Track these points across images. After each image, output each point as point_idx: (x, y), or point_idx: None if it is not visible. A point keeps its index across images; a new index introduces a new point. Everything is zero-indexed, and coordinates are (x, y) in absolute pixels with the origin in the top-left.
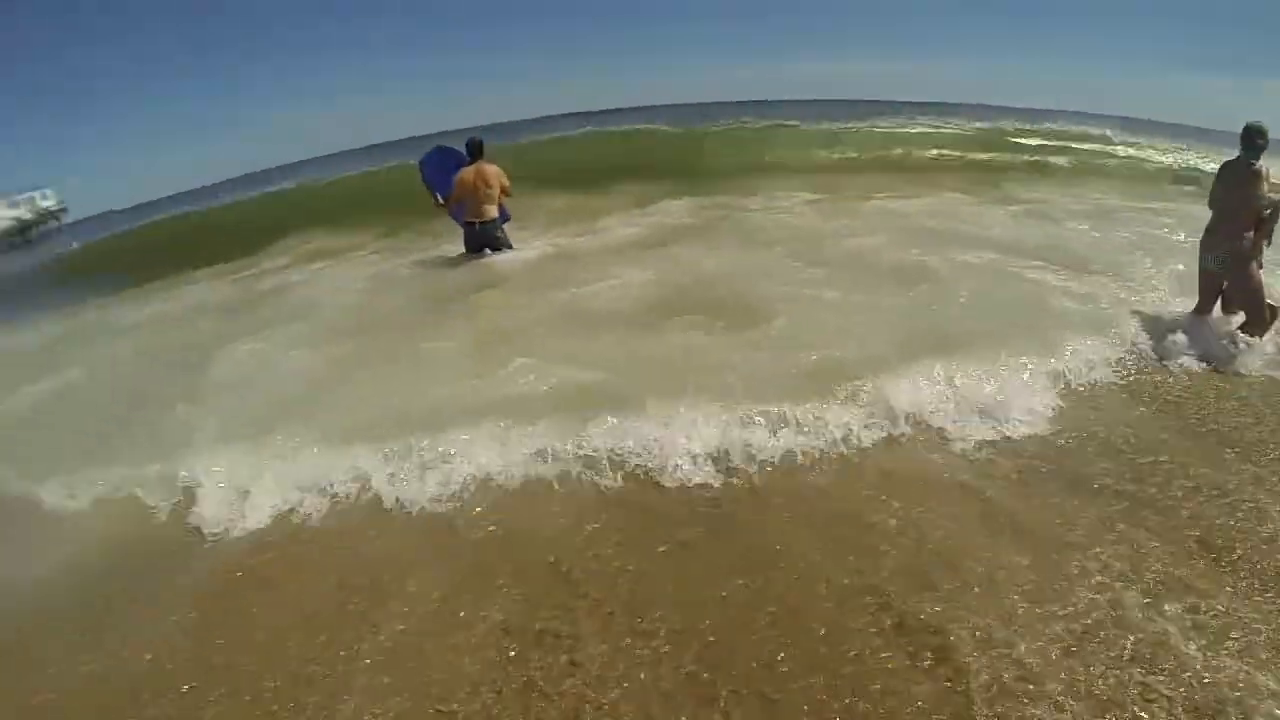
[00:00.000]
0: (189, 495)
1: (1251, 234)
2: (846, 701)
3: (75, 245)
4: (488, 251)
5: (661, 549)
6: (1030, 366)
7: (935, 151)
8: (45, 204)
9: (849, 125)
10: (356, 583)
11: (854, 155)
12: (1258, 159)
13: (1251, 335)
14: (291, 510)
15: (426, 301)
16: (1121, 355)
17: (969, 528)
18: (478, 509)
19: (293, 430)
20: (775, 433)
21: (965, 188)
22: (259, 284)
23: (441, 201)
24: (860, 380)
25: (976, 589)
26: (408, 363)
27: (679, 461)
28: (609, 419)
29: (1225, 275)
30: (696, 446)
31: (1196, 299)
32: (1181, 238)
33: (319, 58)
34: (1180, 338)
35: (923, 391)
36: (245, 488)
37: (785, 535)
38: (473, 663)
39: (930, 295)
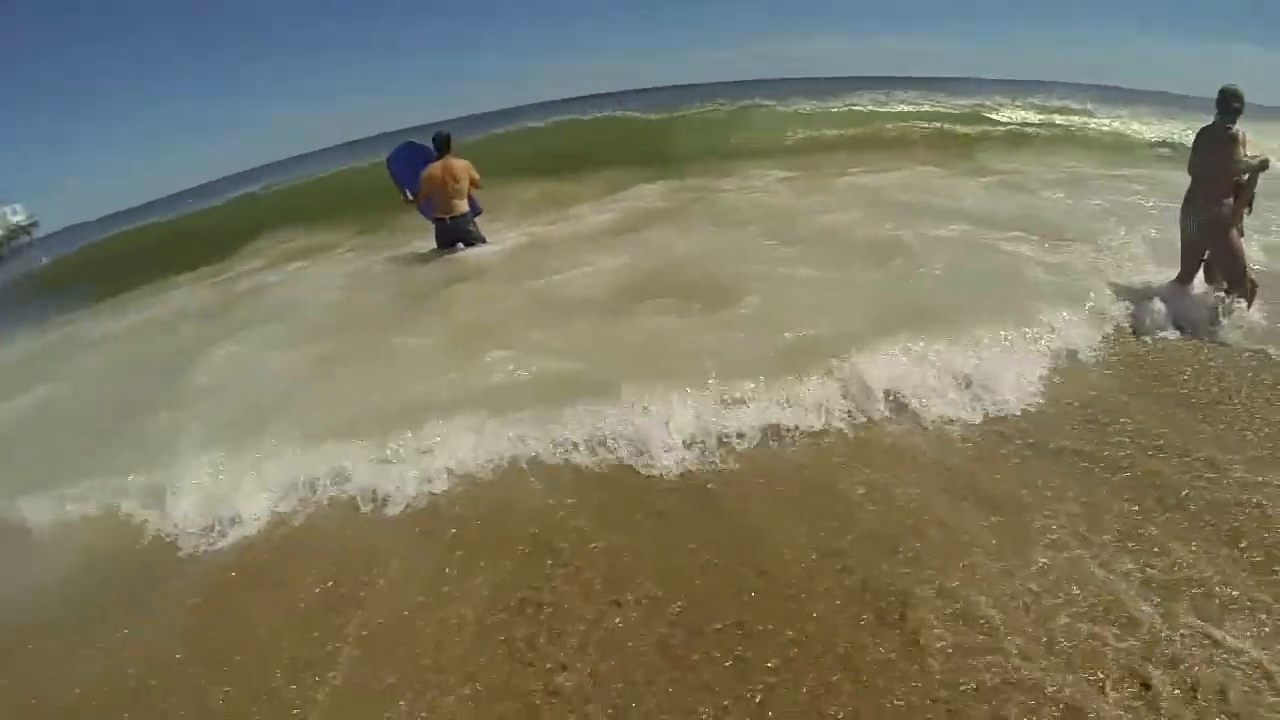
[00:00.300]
0: (175, 502)
1: (1231, 200)
2: (814, 658)
3: (45, 260)
4: (460, 246)
5: (639, 519)
6: (1005, 339)
7: (911, 125)
8: (15, 219)
9: (825, 104)
10: (345, 574)
11: (829, 133)
12: (1234, 123)
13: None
14: (278, 509)
15: (403, 298)
16: (1098, 326)
17: (935, 495)
18: (459, 496)
19: (274, 431)
20: (749, 411)
21: (939, 160)
22: (236, 286)
23: (410, 198)
24: (833, 357)
25: (939, 551)
26: (385, 359)
27: (655, 442)
28: (585, 405)
29: (1206, 243)
30: (672, 427)
31: (1177, 267)
32: (1150, 204)
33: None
34: (1160, 307)
35: (896, 366)
36: (230, 491)
37: (759, 507)
38: (460, 636)
39: (903, 269)
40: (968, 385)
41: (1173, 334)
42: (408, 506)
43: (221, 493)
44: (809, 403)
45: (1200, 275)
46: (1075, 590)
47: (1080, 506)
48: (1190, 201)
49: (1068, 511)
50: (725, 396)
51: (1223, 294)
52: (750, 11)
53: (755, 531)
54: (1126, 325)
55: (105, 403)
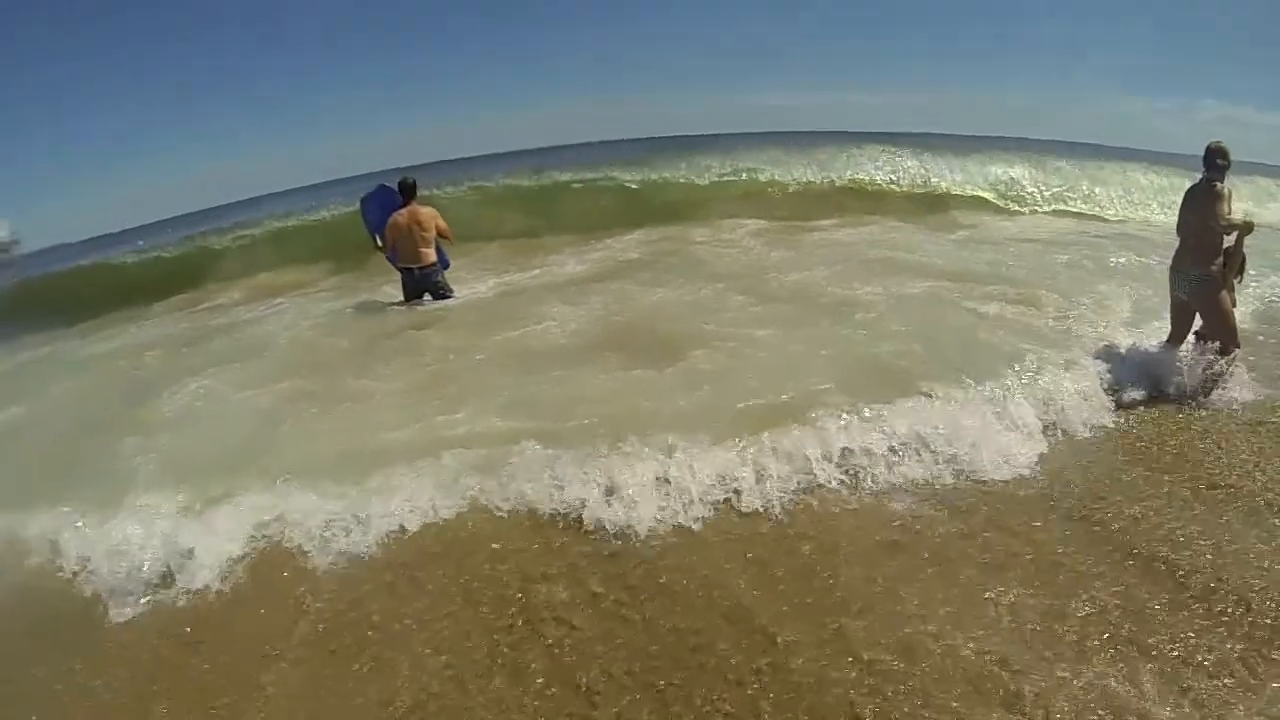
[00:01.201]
0: (110, 543)
1: (1220, 261)
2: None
3: (15, 280)
4: (426, 298)
5: (592, 587)
6: (971, 401)
7: (883, 179)
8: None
9: (793, 157)
10: (275, 624)
11: (804, 185)
12: (1220, 179)
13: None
14: (226, 554)
15: (371, 342)
16: (1075, 388)
17: (886, 560)
18: (417, 546)
19: (232, 472)
20: (702, 473)
21: (909, 215)
22: (210, 320)
23: (380, 244)
24: (795, 417)
25: (877, 618)
26: (348, 403)
27: (594, 501)
28: (539, 460)
29: (1195, 304)
30: (624, 484)
31: (1163, 328)
32: (1124, 260)
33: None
34: (1146, 369)
35: (857, 429)
36: (186, 534)
37: (704, 568)
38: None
39: (871, 328)
40: (934, 452)
41: (1161, 398)
42: (365, 553)
43: (175, 537)
44: (766, 464)
45: (1191, 336)
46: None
47: (1050, 598)
48: (1179, 260)
49: (1040, 606)
50: (679, 455)
51: (1213, 357)
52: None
53: (698, 593)
54: (1109, 389)
55: (65, 432)
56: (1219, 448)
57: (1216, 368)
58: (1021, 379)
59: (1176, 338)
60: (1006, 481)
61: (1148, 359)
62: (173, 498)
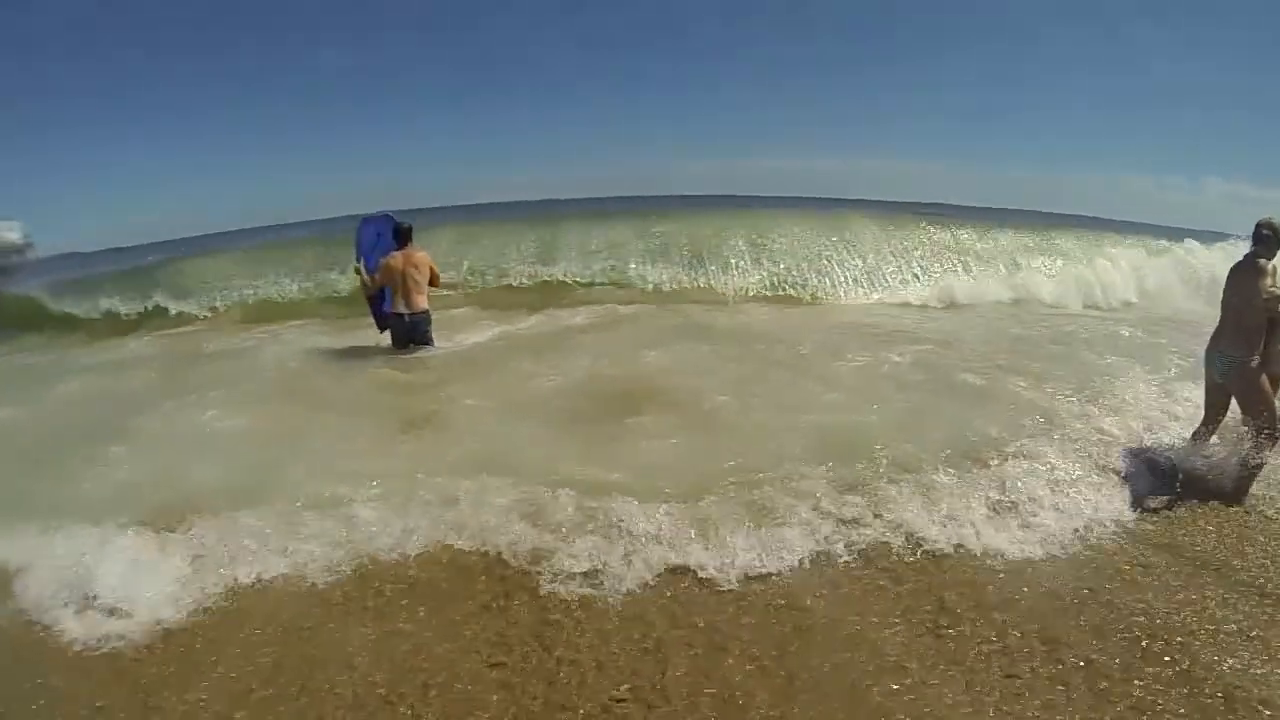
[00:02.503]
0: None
1: (1261, 341)
2: None
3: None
4: (411, 346)
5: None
6: (978, 490)
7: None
8: (11, 236)
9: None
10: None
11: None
12: (1269, 255)
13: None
14: (180, 586)
15: (357, 378)
16: (1089, 478)
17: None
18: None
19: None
20: (662, 541)
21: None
22: (198, 343)
23: (368, 277)
24: (778, 491)
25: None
26: (322, 439)
27: (561, 554)
28: (503, 513)
29: (1231, 387)
30: (579, 545)
31: (1195, 413)
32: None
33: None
34: (1176, 458)
35: (841, 508)
36: (142, 564)
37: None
38: None
39: (862, 401)
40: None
41: (1199, 493)
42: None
43: (128, 569)
44: (743, 544)
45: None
46: None
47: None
48: (1216, 339)
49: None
50: (647, 515)
51: (1251, 447)
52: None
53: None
54: (1132, 478)
55: (30, 449)
56: (1265, 553)
57: (1255, 459)
58: (1029, 468)
59: (1209, 425)
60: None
61: (1176, 450)
62: (130, 527)
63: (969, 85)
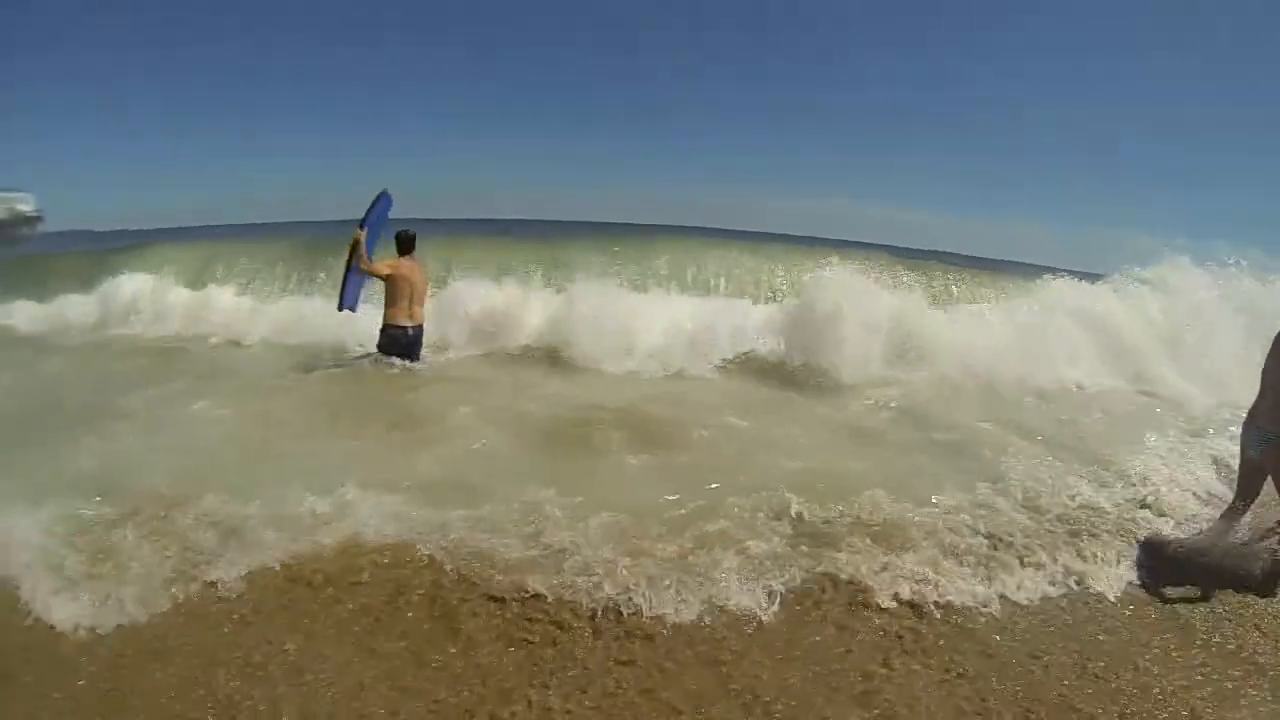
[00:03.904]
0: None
1: None
2: None
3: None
4: (395, 360)
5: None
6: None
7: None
8: (23, 208)
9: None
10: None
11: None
12: None
13: None
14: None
15: (343, 380)
16: (1094, 562)
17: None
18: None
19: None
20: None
21: None
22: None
23: (365, 256)
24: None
25: None
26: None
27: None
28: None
29: (1270, 465)
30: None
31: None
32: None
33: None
34: (1197, 543)
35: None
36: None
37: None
38: None
39: (862, 447)
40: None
41: (1227, 584)
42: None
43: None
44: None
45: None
46: None
47: None
48: (1254, 415)
49: None
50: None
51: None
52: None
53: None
54: (1141, 567)
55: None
56: None
57: None
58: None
59: (1241, 504)
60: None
61: (1202, 533)
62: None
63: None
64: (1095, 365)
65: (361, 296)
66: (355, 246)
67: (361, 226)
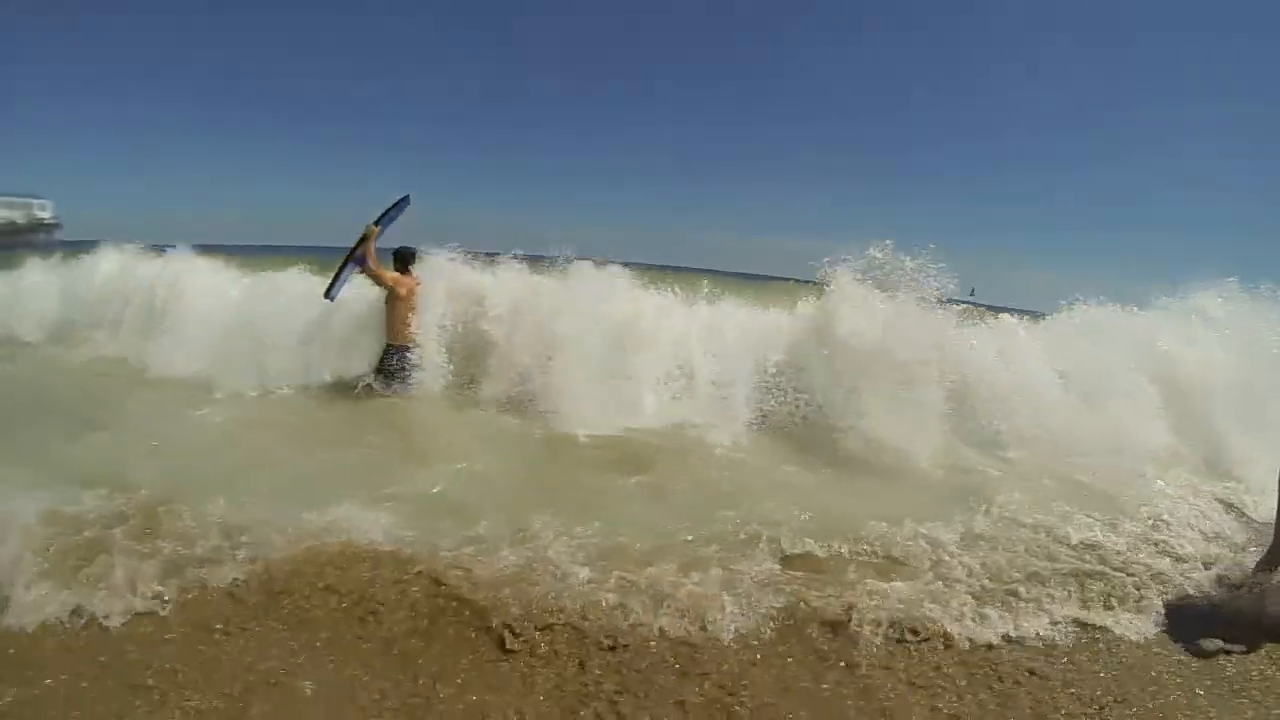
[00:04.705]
0: None
1: None
2: None
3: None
4: (393, 385)
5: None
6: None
7: None
8: (41, 214)
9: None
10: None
11: None
12: None
13: None
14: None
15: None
16: (1116, 610)
17: None
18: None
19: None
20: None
21: None
22: None
23: (375, 260)
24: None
25: None
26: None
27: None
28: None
29: None
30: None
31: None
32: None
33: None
34: (1225, 599)
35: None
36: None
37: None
38: None
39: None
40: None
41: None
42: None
43: None
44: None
45: None
46: None
47: None
48: None
49: None
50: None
51: None
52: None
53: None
54: (1175, 626)
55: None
56: None
57: None
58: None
59: (1275, 557)
60: None
61: (1233, 587)
62: None
63: None
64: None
65: (344, 292)
66: (366, 239)
67: (377, 224)
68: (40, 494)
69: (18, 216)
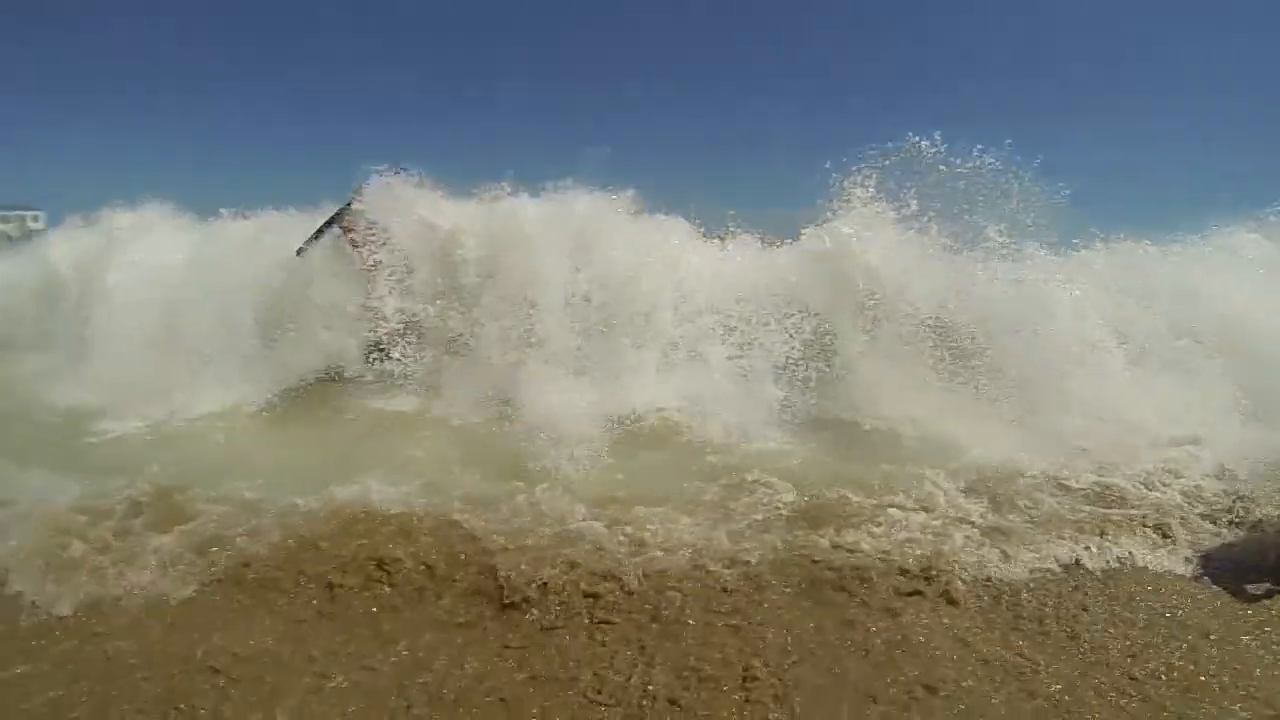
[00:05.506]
0: None
1: None
2: None
3: None
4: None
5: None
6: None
7: None
8: (35, 226)
9: None
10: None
11: None
12: None
13: None
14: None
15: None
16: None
17: None
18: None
19: None
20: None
21: None
22: None
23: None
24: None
25: None
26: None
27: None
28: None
29: None
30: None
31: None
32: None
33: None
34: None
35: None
36: None
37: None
38: None
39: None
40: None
41: None
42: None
43: None
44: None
45: None
46: None
47: None
48: None
49: None
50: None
51: None
52: None
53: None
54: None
55: None
56: None
57: None
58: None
59: None
60: None
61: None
62: None
63: None
64: None
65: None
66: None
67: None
68: None
69: (11, 230)
